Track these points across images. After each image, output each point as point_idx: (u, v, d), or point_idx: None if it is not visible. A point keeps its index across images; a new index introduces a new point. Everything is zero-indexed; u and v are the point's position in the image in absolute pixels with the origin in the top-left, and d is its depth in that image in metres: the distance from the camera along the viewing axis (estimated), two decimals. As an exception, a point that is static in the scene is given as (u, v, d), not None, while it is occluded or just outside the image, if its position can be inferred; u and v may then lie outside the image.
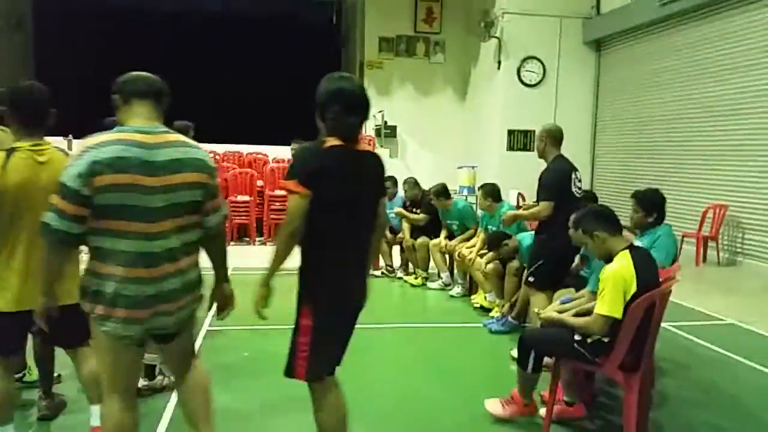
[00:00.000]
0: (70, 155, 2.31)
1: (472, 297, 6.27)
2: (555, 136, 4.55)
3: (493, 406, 3.51)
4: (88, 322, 2.34)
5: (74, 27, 14.30)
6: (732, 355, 4.76)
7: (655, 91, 9.89)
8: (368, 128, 12.51)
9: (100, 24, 14.76)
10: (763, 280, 7.44)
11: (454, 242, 6.67)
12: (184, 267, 2.37)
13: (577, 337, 3.14)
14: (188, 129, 4.57)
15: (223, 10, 15.31)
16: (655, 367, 3.99)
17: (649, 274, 3.12)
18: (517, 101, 11.06)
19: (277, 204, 9.66)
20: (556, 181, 4.41)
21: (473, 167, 11.21)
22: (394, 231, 7.55)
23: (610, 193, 10.41)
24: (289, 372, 2.55)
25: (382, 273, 7.56)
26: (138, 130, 2.28)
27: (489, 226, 6.10)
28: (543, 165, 4.57)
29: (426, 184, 7.30)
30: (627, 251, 3.12)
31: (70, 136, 9.51)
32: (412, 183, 7.47)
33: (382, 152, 12.29)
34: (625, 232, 3.42)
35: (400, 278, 7.39)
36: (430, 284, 6.99)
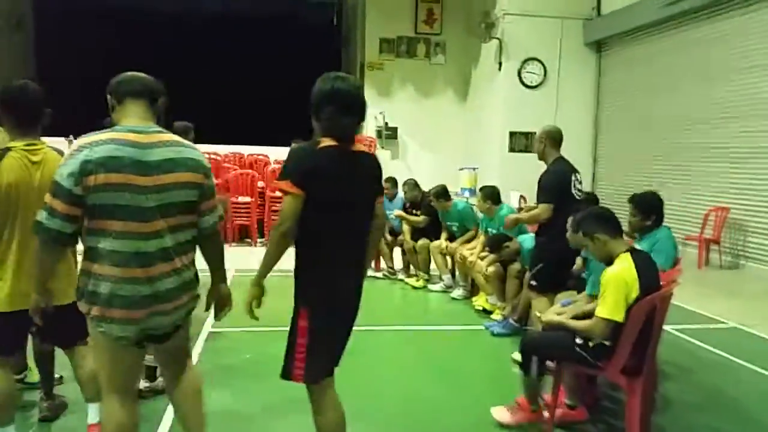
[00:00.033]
0: (65, 155, 2.30)
1: (474, 299, 6.26)
2: (554, 138, 4.53)
3: (500, 413, 3.48)
4: (84, 320, 2.34)
5: (75, 27, 14.29)
6: (734, 359, 4.75)
7: (656, 92, 9.87)
8: (369, 129, 12.50)
9: (101, 24, 14.76)
10: (765, 284, 7.42)
11: (454, 244, 6.66)
12: (179, 266, 2.36)
13: (578, 341, 3.13)
14: (188, 130, 4.56)
15: (224, 10, 15.31)
16: (658, 371, 3.98)
17: (651, 277, 3.11)
18: (518, 103, 11.05)
19: (279, 205, 9.61)
20: (556, 184, 4.40)
21: (474, 169, 11.20)
22: (395, 233, 7.54)
23: (611, 195, 10.39)
24: (286, 374, 2.53)
25: (384, 275, 7.56)
26: (131, 130, 2.28)
27: (489, 229, 6.09)
28: (544, 167, 4.56)
29: (427, 186, 7.29)
30: (628, 254, 3.11)
31: (71, 137, 9.48)
32: (412, 184, 7.46)
33: (383, 153, 12.35)
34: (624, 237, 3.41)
35: (402, 280, 7.37)
36: (431, 286, 6.98)
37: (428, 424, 3.56)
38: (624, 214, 4.07)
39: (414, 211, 7.34)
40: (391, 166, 11.62)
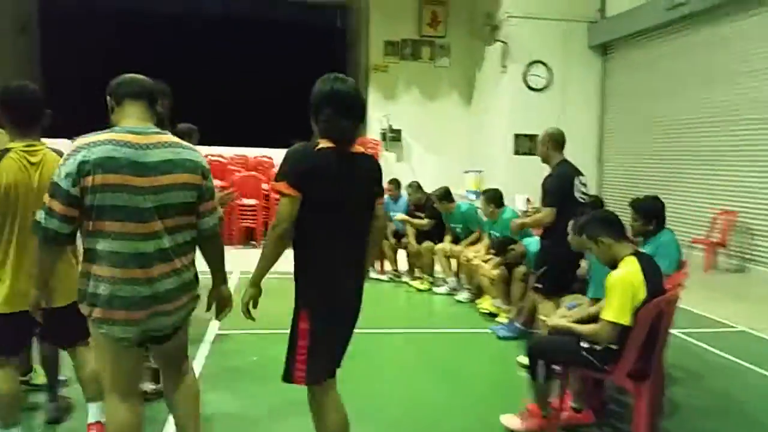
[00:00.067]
0: (64, 155, 2.32)
1: (478, 302, 6.24)
2: (557, 140, 4.53)
3: (511, 421, 3.45)
4: (84, 321, 2.34)
5: (79, 30, 14.33)
6: (743, 363, 4.72)
7: (662, 95, 9.84)
8: (374, 132, 12.51)
9: (106, 27, 14.79)
10: (772, 287, 7.38)
11: (458, 247, 6.64)
12: (179, 267, 2.37)
13: (584, 345, 3.10)
14: (192, 132, 4.56)
15: (229, 13, 15.32)
16: (665, 375, 3.95)
17: (656, 281, 3.09)
18: (523, 105, 11.03)
19: (282, 207, 9.63)
20: (558, 187, 4.39)
21: (479, 172, 11.20)
22: (399, 235, 7.53)
23: (617, 198, 10.35)
24: (288, 377, 2.52)
25: (389, 278, 7.54)
26: (130, 131, 2.29)
27: (492, 232, 6.07)
28: (549, 170, 4.55)
29: (431, 189, 7.28)
30: (633, 257, 3.09)
31: (75, 138, 9.51)
32: (416, 187, 7.46)
33: (388, 156, 12.36)
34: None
35: (406, 283, 7.35)
36: (436, 289, 6.96)
37: (433, 428, 3.54)
38: (630, 218, 4.05)
39: (418, 214, 7.34)
40: (395, 169, 11.62)
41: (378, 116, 12.45)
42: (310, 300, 2.49)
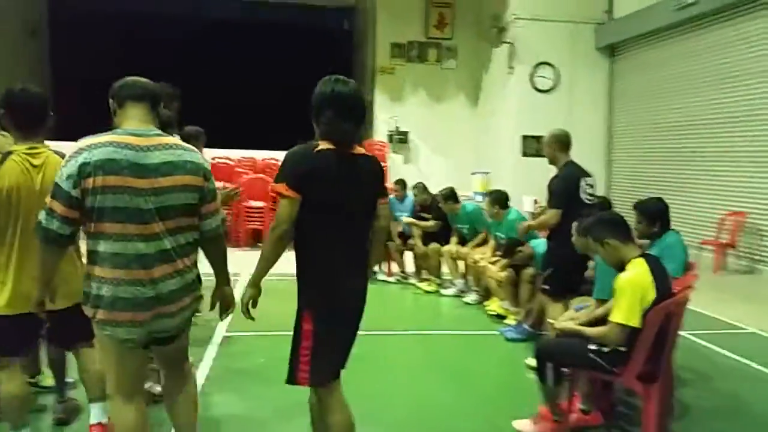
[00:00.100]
0: (66, 157, 2.34)
1: (486, 304, 6.22)
2: (562, 141, 4.52)
3: (523, 425, 3.43)
4: (87, 322, 2.36)
5: (89, 33, 14.44)
6: (753, 364, 4.68)
7: (670, 96, 9.80)
8: (381, 134, 12.51)
9: (116, 30, 14.89)
10: (782, 288, 7.33)
11: (465, 249, 6.63)
12: (181, 268, 2.38)
13: (592, 347, 3.09)
14: (199, 135, 4.57)
15: (237, 17, 15.40)
16: (675, 377, 3.92)
17: (665, 282, 3.08)
18: (530, 107, 11.00)
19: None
20: (564, 188, 4.38)
21: (487, 173, 11.18)
22: (405, 237, 7.52)
23: (625, 200, 10.30)
24: (291, 379, 2.52)
25: (397, 280, 7.54)
26: (131, 133, 2.30)
27: (497, 233, 6.06)
28: (555, 171, 4.54)
29: (438, 190, 7.27)
30: (641, 258, 3.07)
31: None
32: (421, 188, 7.45)
33: (395, 158, 12.35)
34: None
35: (414, 285, 7.35)
36: (444, 291, 6.95)
37: (440, 430, 3.53)
38: (634, 220, 4.02)
39: (423, 215, 7.33)
40: (402, 171, 11.61)
41: (385, 118, 12.46)
42: (312, 301, 2.49)
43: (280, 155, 12.02)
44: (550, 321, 3.78)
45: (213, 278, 2.69)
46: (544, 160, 4.69)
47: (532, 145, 10.87)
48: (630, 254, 3.11)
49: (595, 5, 11.10)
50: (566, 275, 4.37)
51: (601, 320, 3.21)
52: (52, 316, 2.68)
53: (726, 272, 8.19)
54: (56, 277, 2.50)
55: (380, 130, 12.55)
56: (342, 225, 2.47)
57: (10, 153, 2.78)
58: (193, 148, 2.49)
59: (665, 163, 9.91)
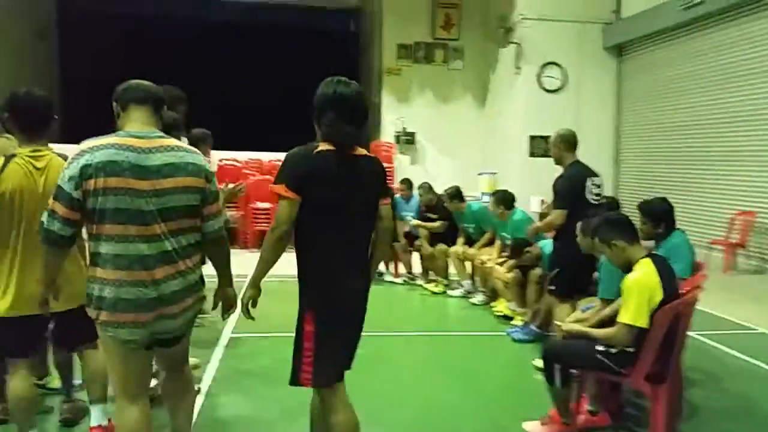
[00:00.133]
0: (68, 159, 2.36)
1: (493, 305, 6.20)
2: (568, 141, 4.50)
3: (532, 427, 3.42)
4: (91, 323, 2.37)
5: (98, 34, 14.52)
6: (763, 365, 4.64)
7: (678, 96, 9.74)
8: (388, 135, 12.51)
9: (125, 32, 14.97)
10: (792, 288, 7.27)
11: (472, 250, 6.61)
12: (183, 269, 2.39)
13: (600, 348, 3.07)
14: (207, 137, 4.59)
15: (246, 19, 15.43)
16: (683, 377, 3.90)
17: (672, 282, 3.07)
18: (538, 107, 10.96)
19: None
20: (568, 189, 4.37)
21: (494, 174, 11.15)
22: (412, 237, 7.52)
23: (633, 200, 10.24)
24: (294, 380, 2.52)
25: (404, 281, 7.53)
26: (133, 135, 2.32)
27: (502, 234, 6.04)
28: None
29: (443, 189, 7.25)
30: (648, 259, 3.06)
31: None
32: (427, 188, 7.44)
33: (402, 159, 12.34)
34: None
35: (421, 286, 7.34)
36: (451, 292, 6.93)
37: (446, 431, 3.52)
38: (639, 221, 3.99)
39: (429, 215, 7.32)
40: (409, 172, 11.59)
41: (392, 119, 12.45)
42: (312, 302, 2.49)
43: (286, 157, 12.12)
44: (557, 323, 3.77)
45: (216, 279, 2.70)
46: (552, 161, 4.67)
47: (539, 146, 10.83)
48: (637, 255, 3.10)
49: (602, 5, 11.05)
50: (572, 276, 4.35)
51: (609, 321, 3.20)
52: (57, 317, 2.69)
53: (736, 272, 8.13)
54: (60, 277, 2.52)
55: (387, 131, 12.55)
56: (342, 226, 2.47)
57: (13, 156, 2.80)
58: (196, 150, 2.51)
59: (674, 162, 9.86)
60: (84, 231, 2.38)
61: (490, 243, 6.48)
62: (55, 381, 3.66)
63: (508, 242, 5.84)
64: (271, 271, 2.51)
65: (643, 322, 2.92)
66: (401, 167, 12.05)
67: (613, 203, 5.21)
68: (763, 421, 3.76)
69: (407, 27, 12.50)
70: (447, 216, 7.04)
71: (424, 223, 7.29)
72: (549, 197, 7.67)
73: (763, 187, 8.08)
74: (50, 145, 2.96)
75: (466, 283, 6.81)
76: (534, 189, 9.35)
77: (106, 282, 2.27)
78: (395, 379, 4.34)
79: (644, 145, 10.74)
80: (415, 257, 7.57)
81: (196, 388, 3.76)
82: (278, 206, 2.43)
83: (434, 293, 7.01)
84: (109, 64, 12.55)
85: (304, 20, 15.43)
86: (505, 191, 6.16)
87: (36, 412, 3.06)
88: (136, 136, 2.32)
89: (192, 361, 4.15)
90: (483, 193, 10.05)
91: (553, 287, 4.52)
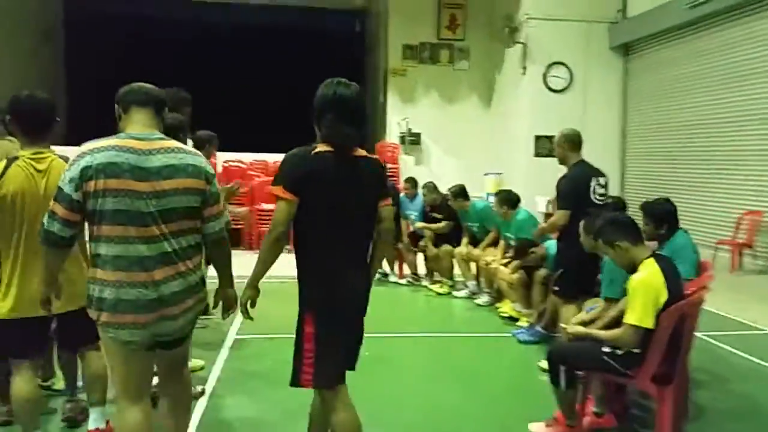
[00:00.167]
0: (69, 161, 2.38)
1: (498, 306, 6.19)
2: (573, 141, 4.49)
3: (537, 428, 3.41)
4: (92, 325, 2.38)
5: (104, 36, 14.59)
6: (770, 366, 4.62)
7: (685, 95, 9.69)
8: (393, 135, 12.51)
9: (131, 34, 15.03)
10: (800, 289, 7.21)
11: (477, 251, 6.60)
12: (183, 270, 2.39)
13: (606, 349, 3.06)
14: (212, 139, 4.60)
15: (253, 20, 15.47)
16: (690, 378, 3.88)
17: (677, 283, 3.05)
18: (544, 107, 10.94)
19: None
20: (571, 189, 4.35)
21: (499, 174, 11.13)
22: (417, 237, 7.50)
23: (639, 200, 10.15)
24: (295, 381, 2.52)
25: (408, 282, 7.52)
26: (133, 137, 2.34)
27: (506, 234, 6.02)
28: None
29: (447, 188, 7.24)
30: (652, 259, 3.05)
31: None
32: (431, 187, 7.43)
33: (407, 159, 12.33)
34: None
35: (426, 287, 7.32)
36: (456, 293, 6.92)
37: (453, 432, 3.51)
38: (642, 222, 3.97)
39: (434, 215, 7.30)
40: (414, 172, 11.56)
41: (397, 120, 12.44)
42: (312, 303, 2.49)
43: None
44: (563, 325, 3.75)
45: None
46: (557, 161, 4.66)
47: (545, 146, 10.79)
48: (641, 255, 3.09)
49: (608, 4, 11.01)
50: (577, 277, 4.33)
51: (615, 323, 3.18)
52: (58, 319, 2.70)
53: (742, 272, 8.08)
54: (61, 277, 2.53)
55: (392, 132, 12.54)
56: (341, 227, 2.46)
57: (15, 158, 2.81)
58: (196, 151, 2.52)
59: (680, 162, 9.81)
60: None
61: (495, 243, 6.47)
62: (60, 383, 3.67)
63: (512, 243, 5.82)
64: (271, 272, 2.52)
65: (649, 323, 2.91)
66: (406, 168, 12.04)
67: (619, 203, 5.18)
68: (770, 422, 3.74)
69: (412, 27, 12.49)
70: (451, 216, 7.02)
71: (429, 225, 7.27)
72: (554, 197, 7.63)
73: (771, 187, 8.03)
74: (53, 147, 2.97)
75: (471, 284, 6.80)
76: (540, 189, 9.32)
77: (106, 283, 2.28)
78: (400, 380, 4.34)
79: (650, 145, 10.69)
80: (420, 258, 7.57)
81: (201, 389, 3.79)
82: (276, 207, 2.43)
83: (439, 294, 6.99)
84: (114, 66, 12.62)
85: (310, 21, 15.45)
86: (509, 191, 6.14)
87: (40, 413, 3.06)
88: (137, 138, 2.33)
89: (197, 362, 4.18)
90: (488, 194, 10.02)
91: (557, 288, 4.51)
